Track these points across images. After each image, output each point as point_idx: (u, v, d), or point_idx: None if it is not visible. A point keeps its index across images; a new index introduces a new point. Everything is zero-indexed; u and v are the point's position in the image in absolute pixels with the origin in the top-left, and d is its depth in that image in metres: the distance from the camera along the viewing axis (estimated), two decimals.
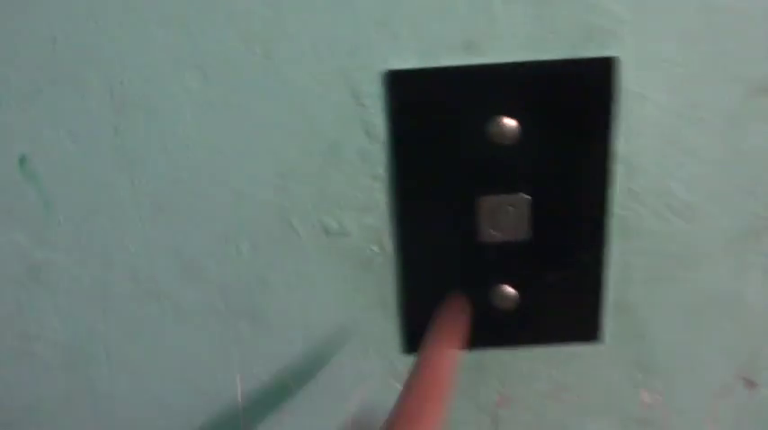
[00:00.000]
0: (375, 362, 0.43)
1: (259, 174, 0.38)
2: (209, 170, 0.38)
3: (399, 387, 0.39)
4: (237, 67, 0.36)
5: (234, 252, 0.40)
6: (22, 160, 0.38)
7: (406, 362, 0.43)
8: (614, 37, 0.35)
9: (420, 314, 0.39)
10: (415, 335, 0.41)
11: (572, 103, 0.36)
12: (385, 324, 0.42)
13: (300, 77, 0.36)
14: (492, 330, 0.42)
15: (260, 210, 0.39)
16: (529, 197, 0.38)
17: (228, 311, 0.41)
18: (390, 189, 0.38)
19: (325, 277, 0.40)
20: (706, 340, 0.42)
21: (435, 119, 0.36)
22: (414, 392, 0.29)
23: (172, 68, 0.36)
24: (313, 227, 0.39)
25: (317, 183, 0.38)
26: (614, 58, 0.35)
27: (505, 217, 0.38)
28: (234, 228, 0.39)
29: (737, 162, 0.38)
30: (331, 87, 0.36)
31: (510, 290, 0.40)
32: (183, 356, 0.42)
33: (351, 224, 0.39)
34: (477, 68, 0.36)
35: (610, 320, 0.42)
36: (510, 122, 0.36)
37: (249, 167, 0.38)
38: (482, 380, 0.43)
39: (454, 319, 0.34)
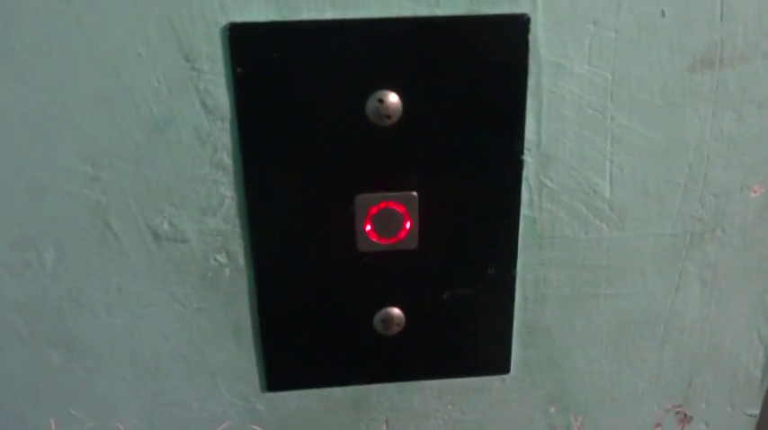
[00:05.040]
0: (229, 402, 0.39)
1: (63, 160, 0.33)
2: None
3: None
4: (25, 12, 0.31)
5: (35, 262, 0.35)
6: None
7: (268, 403, 0.39)
8: None
9: (284, 342, 0.37)
10: (278, 368, 0.38)
11: (470, 72, 0.32)
12: (239, 355, 0.38)
13: (111, 30, 0.31)
14: (375, 361, 0.38)
15: (67, 207, 0.34)
16: (416, 194, 0.34)
17: (34, 338, 0.37)
18: (238, 181, 0.34)
19: (159, 295, 0.36)
20: (634, 368, 0.41)
21: (294, 90, 0.32)
22: None
23: None
24: (138, 230, 0.35)
25: (140, 173, 0.34)
26: (525, 15, 0.32)
27: (388, 220, 0.34)
28: (34, 231, 0.35)
29: (674, 151, 0.35)
30: (154, 45, 0.32)
31: (395, 312, 0.37)
32: None
33: (188, 227, 0.35)
34: (349, 24, 0.32)
35: (518, 346, 0.39)
36: (391, 97, 0.32)
37: (49, 150, 0.33)
38: (364, 419, 0.41)
39: None
